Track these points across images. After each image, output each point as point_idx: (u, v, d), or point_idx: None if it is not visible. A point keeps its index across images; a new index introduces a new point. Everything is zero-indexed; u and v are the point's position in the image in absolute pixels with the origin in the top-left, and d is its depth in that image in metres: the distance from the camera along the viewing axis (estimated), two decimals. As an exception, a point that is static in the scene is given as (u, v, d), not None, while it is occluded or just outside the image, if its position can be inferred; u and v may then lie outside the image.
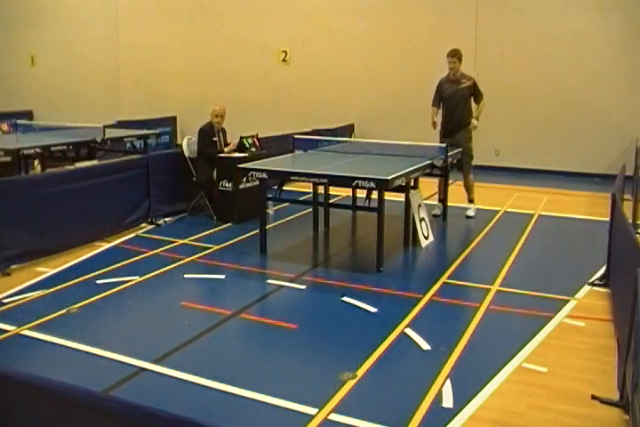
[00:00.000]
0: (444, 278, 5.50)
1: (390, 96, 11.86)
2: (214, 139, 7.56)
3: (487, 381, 3.69)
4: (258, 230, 6.21)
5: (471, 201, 7.81)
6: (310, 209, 7.26)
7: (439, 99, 7.64)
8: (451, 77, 7.57)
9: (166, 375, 3.75)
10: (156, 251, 6.21)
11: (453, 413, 3.36)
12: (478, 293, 5.16)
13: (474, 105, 7.58)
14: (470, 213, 7.73)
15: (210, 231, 6.98)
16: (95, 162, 8.31)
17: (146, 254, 6.11)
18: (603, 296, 5.12)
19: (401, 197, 6.52)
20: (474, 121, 7.48)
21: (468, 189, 7.79)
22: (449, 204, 7.63)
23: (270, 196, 6.59)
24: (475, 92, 7.51)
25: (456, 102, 7.51)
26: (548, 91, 10.73)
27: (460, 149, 7.47)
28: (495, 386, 3.65)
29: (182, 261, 5.89)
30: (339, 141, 8.46)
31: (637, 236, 5.24)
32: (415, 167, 6.25)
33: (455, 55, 7.47)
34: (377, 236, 5.67)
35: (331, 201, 7.23)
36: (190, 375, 3.73)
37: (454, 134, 7.54)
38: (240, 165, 6.27)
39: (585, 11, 10.44)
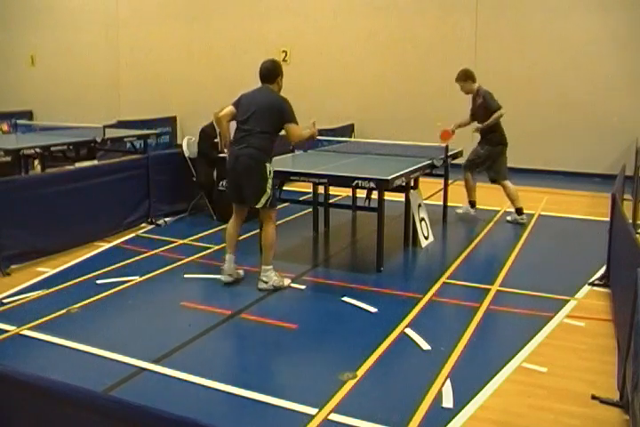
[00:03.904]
0: (443, 278, 5.50)
1: (390, 96, 11.86)
2: (215, 140, 7.56)
3: (487, 381, 3.69)
4: (258, 230, 6.20)
5: (470, 203, 7.73)
6: (310, 209, 7.26)
7: (471, 114, 7.66)
8: (473, 95, 7.50)
9: (166, 375, 3.75)
10: (156, 251, 6.22)
11: (453, 413, 3.36)
12: (478, 293, 5.17)
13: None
14: (460, 210, 7.71)
15: (210, 231, 6.98)
16: (95, 162, 8.32)
17: (146, 254, 6.11)
18: (603, 296, 5.12)
19: (401, 197, 6.52)
20: (477, 125, 7.43)
21: (466, 190, 7.72)
22: (449, 204, 7.63)
23: (270, 196, 6.59)
24: (488, 108, 7.36)
25: (477, 121, 7.51)
26: (548, 91, 10.73)
27: (460, 150, 7.50)
28: (495, 386, 3.65)
29: (182, 261, 5.89)
30: (339, 141, 8.46)
31: (637, 236, 5.24)
32: (415, 167, 6.25)
33: (459, 79, 7.37)
34: (377, 236, 5.67)
35: (331, 201, 7.23)
36: (190, 375, 3.73)
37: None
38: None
39: (585, 11, 10.44)
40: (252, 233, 6.67)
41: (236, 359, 4.15)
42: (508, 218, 7.57)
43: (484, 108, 7.39)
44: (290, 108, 5.13)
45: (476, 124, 7.58)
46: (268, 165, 5.07)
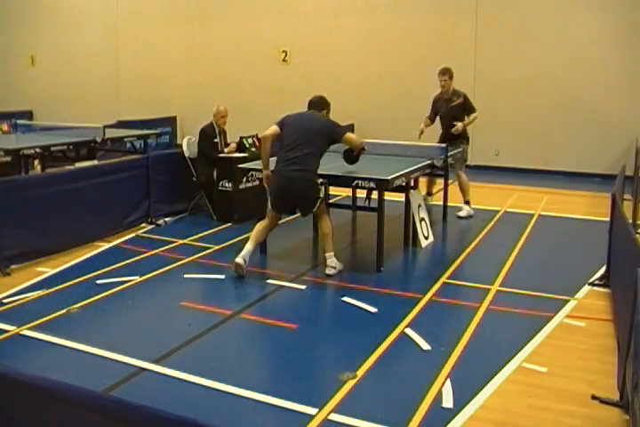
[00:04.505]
0: (443, 278, 5.50)
1: (390, 96, 11.86)
2: (215, 140, 7.56)
3: (487, 381, 3.69)
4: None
5: (467, 203, 7.69)
6: (310, 209, 7.25)
7: (434, 114, 7.80)
8: (443, 95, 7.67)
9: (166, 375, 3.75)
10: (156, 251, 6.21)
11: (453, 413, 3.36)
12: (478, 293, 5.16)
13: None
14: (462, 213, 7.63)
15: (210, 231, 6.98)
16: (95, 162, 8.32)
17: (146, 254, 6.11)
18: (603, 296, 5.12)
19: (401, 197, 6.52)
20: (458, 124, 7.46)
21: (461, 189, 7.73)
22: (449, 204, 7.63)
23: (270, 196, 6.60)
24: (467, 108, 7.58)
25: (449, 120, 7.57)
26: (548, 91, 10.72)
27: (460, 150, 7.52)
28: (495, 386, 3.65)
29: (182, 261, 5.89)
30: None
31: (637, 236, 5.24)
32: (415, 167, 6.25)
33: (446, 73, 7.56)
34: (377, 236, 5.67)
35: (331, 201, 7.23)
36: (190, 375, 3.73)
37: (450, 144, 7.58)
38: (240, 165, 6.28)
39: (585, 11, 10.44)
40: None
41: (236, 359, 4.15)
42: (461, 214, 7.62)
43: (461, 107, 7.53)
44: (336, 125, 5.57)
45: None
46: (319, 180, 5.51)
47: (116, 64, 14.61)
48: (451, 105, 7.57)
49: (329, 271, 5.52)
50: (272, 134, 5.52)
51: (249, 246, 5.51)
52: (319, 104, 5.74)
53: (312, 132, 5.43)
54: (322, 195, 5.58)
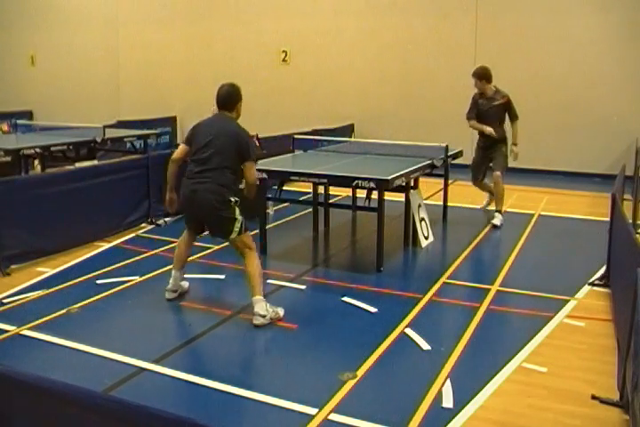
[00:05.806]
0: (443, 278, 5.50)
1: (391, 96, 11.87)
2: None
3: (487, 381, 3.69)
4: (258, 230, 6.20)
5: (498, 211, 7.41)
6: (310, 209, 7.25)
7: (474, 112, 7.45)
8: (486, 94, 7.38)
9: (166, 375, 3.75)
10: (155, 251, 6.22)
11: (453, 413, 3.36)
12: (478, 293, 5.17)
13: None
14: (496, 221, 7.28)
15: (210, 231, 6.98)
16: (95, 162, 8.32)
17: (146, 254, 6.11)
18: (603, 296, 5.12)
19: (401, 197, 6.52)
20: (514, 148, 7.43)
21: (497, 197, 7.47)
22: (449, 204, 7.63)
23: (270, 196, 6.59)
24: (509, 111, 7.38)
25: (490, 120, 7.37)
26: (548, 91, 10.72)
27: (460, 150, 7.51)
28: (495, 386, 3.65)
29: (182, 261, 5.88)
30: (339, 141, 8.46)
31: (637, 236, 5.24)
32: (415, 167, 6.25)
33: (474, 76, 7.33)
34: (377, 236, 5.67)
35: (331, 201, 7.23)
36: (190, 375, 3.73)
37: (490, 148, 7.48)
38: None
39: (585, 10, 10.44)
40: (251, 233, 6.64)
41: (236, 359, 4.15)
42: (495, 222, 7.28)
43: (503, 109, 7.36)
44: (252, 143, 4.71)
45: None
46: (232, 198, 4.60)
47: (116, 64, 14.61)
48: (492, 104, 7.32)
49: (256, 321, 4.45)
50: (180, 157, 4.73)
51: (175, 274, 4.96)
52: (230, 102, 4.78)
53: (223, 141, 4.56)
54: (240, 217, 4.60)
